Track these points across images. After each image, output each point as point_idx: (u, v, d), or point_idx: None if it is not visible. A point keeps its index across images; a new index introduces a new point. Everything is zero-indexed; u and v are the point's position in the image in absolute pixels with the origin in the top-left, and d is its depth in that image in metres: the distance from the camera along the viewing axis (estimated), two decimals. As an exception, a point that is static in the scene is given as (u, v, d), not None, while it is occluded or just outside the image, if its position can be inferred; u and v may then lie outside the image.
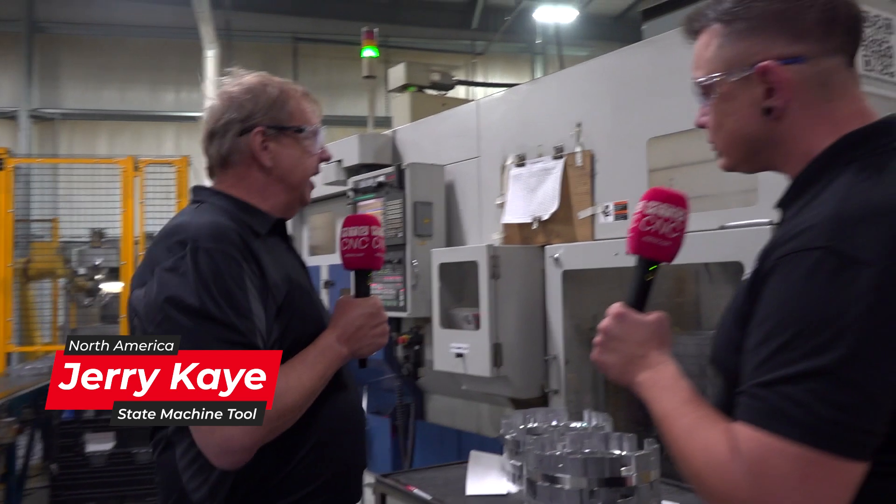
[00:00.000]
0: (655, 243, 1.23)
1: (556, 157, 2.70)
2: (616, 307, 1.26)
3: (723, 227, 2.10)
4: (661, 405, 1.10)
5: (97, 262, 6.36)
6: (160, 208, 6.13)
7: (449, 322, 2.90)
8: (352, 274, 1.68)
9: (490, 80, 12.45)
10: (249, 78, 1.61)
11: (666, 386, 1.12)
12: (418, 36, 13.11)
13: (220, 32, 10.32)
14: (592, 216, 2.58)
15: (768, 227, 1.97)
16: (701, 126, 1.21)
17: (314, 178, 1.71)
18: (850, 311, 0.88)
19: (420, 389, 3.40)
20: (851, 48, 1.08)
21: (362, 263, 1.63)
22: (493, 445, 3.00)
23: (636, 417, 2.69)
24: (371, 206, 3.26)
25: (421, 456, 3.30)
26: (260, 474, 1.42)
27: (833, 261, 0.90)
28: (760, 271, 0.99)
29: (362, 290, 1.63)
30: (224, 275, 1.35)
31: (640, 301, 1.26)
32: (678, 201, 1.24)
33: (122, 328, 6.33)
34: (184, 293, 1.32)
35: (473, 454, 2.27)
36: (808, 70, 1.05)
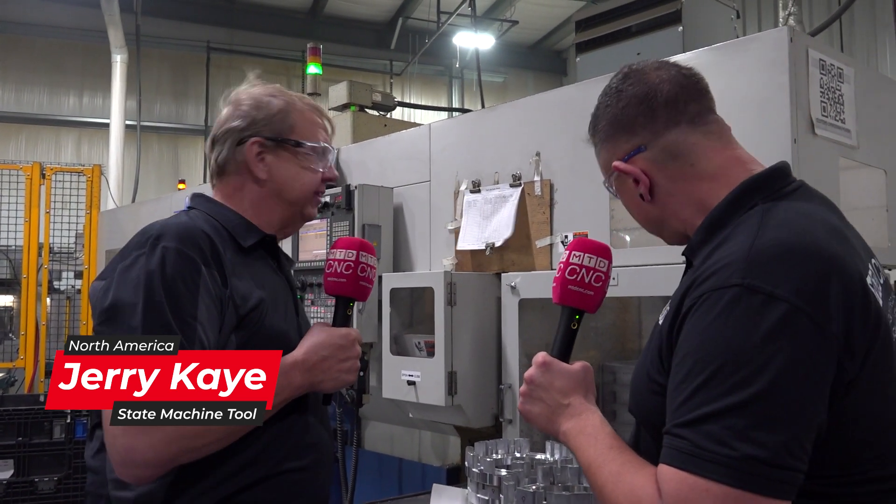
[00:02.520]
0: (580, 292, 1.27)
1: (513, 185, 2.70)
2: (541, 356, 1.28)
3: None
4: (587, 453, 1.11)
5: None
6: (68, 218, 5.77)
7: (399, 349, 2.84)
8: (334, 300, 1.57)
9: (406, 101, 12.49)
10: (260, 88, 1.57)
11: (590, 433, 1.13)
12: (336, 53, 13.01)
13: (129, 37, 9.91)
14: (551, 245, 2.59)
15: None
16: None
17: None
18: (769, 347, 0.89)
19: (357, 416, 3.31)
20: (688, 115, 1.18)
21: (344, 290, 1.51)
22: (434, 474, 2.96)
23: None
24: (315, 227, 3.16)
25: (359, 486, 3.20)
26: (193, 498, 1.31)
27: (749, 297, 0.93)
28: (678, 313, 1.03)
29: (339, 320, 1.52)
30: (177, 275, 1.30)
31: (565, 350, 1.30)
32: (602, 252, 1.29)
33: (20, 345, 5.91)
34: (130, 293, 1.28)
35: (436, 487, 2.21)
36: (651, 154, 1.18)
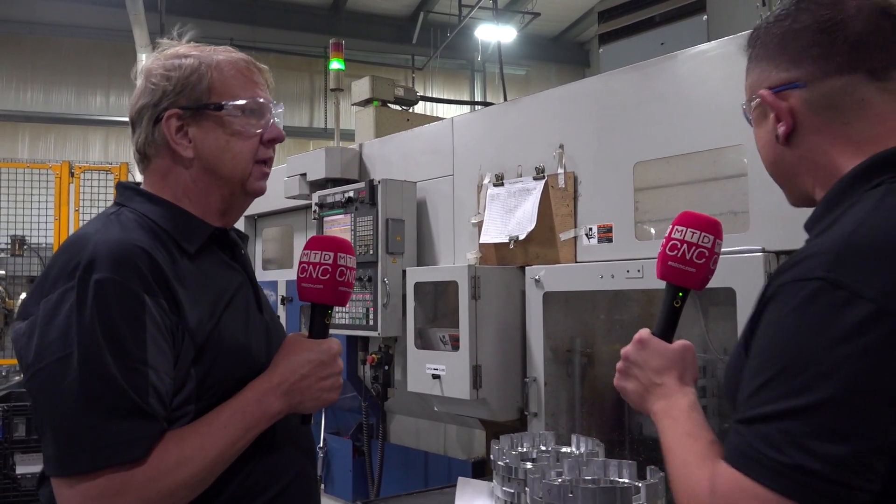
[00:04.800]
0: (681, 268, 1.20)
1: (536, 178, 2.69)
2: (640, 333, 1.23)
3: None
4: (666, 437, 1.08)
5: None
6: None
7: (423, 342, 2.84)
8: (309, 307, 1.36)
9: (428, 95, 12.49)
10: (171, 51, 1.33)
11: (675, 416, 1.10)
12: (358, 49, 13.03)
13: (154, 36, 10.01)
14: (575, 238, 2.58)
15: (760, 253, 2.01)
16: None
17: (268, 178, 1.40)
18: (841, 350, 0.81)
19: (383, 410, 3.32)
20: (872, 62, 1.00)
21: (320, 297, 1.31)
22: (460, 468, 2.96)
23: (611, 440, 2.70)
24: (339, 222, 3.18)
25: (384, 479, 3.22)
26: None
27: (830, 293, 0.84)
28: (763, 297, 0.95)
29: (317, 330, 1.32)
30: (115, 314, 1.09)
31: (666, 328, 1.24)
32: (707, 226, 1.21)
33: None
34: (59, 343, 1.08)
35: (461, 480, 2.22)
36: (807, 94, 1.03)
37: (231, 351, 1.23)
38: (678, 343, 1.21)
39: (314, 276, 1.30)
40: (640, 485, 1.68)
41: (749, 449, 0.86)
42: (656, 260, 1.26)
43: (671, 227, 1.24)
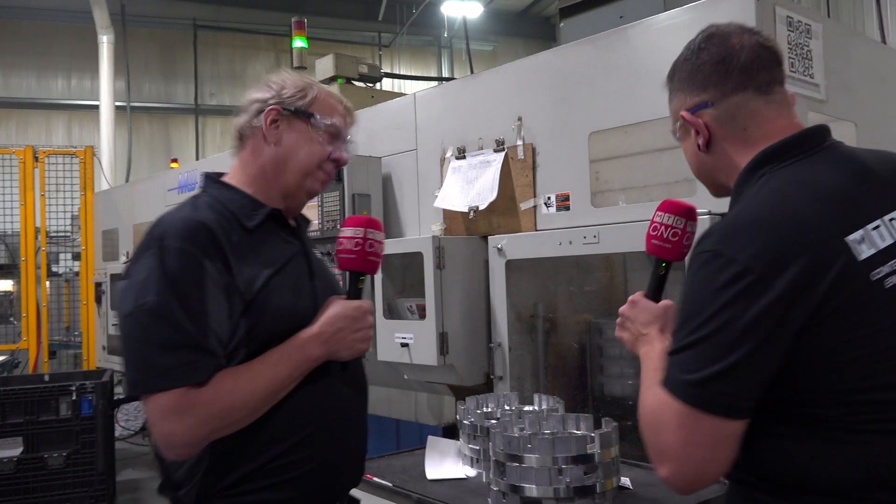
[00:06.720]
0: (661, 246, 1.50)
1: (497, 150, 2.77)
2: (634, 295, 1.52)
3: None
4: (642, 372, 1.35)
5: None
6: (63, 201, 5.82)
7: (392, 314, 2.93)
8: (346, 274, 1.64)
9: (396, 72, 12.46)
10: (289, 73, 1.69)
11: (651, 357, 1.37)
12: (324, 27, 12.94)
13: (115, 17, 9.87)
14: (534, 207, 2.66)
15: (707, 216, 2.12)
16: None
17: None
18: (718, 299, 1.11)
19: (356, 381, 3.41)
20: (757, 82, 1.30)
21: (354, 265, 1.60)
22: (431, 433, 3.06)
23: (574, 399, 2.82)
24: (306, 198, 3.24)
25: (359, 447, 3.31)
26: (232, 463, 1.46)
27: (714, 260, 1.14)
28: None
29: (353, 293, 1.61)
30: (183, 274, 1.39)
31: (654, 291, 1.52)
32: (682, 212, 1.50)
33: (22, 327, 6.01)
34: (143, 291, 1.38)
35: (430, 440, 2.31)
36: (714, 111, 1.32)
37: (276, 308, 1.48)
38: (662, 302, 1.50)
39: (348, 248, 1.58)
40: (595, 434, 1.79)
41: (668, 373, 1.17)
42: (645, 239, 1.53)
43: (654, 212, 1.52)
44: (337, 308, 1.54)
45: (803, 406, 1.14)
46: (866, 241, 1.14)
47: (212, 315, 1.39)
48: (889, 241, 1.15)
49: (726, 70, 1.30)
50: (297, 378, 1.48)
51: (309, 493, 1.52)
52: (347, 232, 1.59)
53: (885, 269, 1.14)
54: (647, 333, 1.44)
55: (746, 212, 1.18)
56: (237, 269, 1.45)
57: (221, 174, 1.68)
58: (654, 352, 1.37)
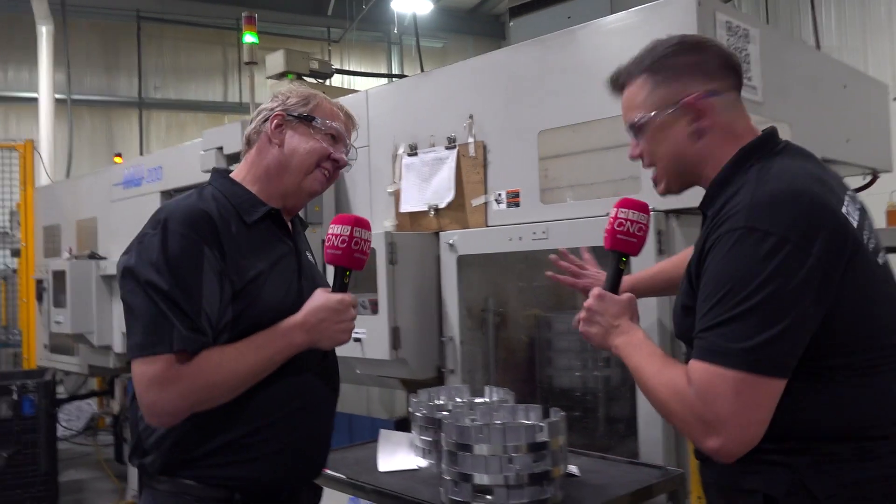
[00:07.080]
0: (626, 240, 1.57)
1: (448, 147, 2.81)
2: (597, 290, 1.58)
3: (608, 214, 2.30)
4: (634, 359, 1.44)
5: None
6: (1, 196, 5.64)
7: (344, 308, 2.94)
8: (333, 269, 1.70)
9: (345, 68, 12.41)
10: (299, 86, 1.83)
11: (636, 345, 1.46)
12: (272, 20, 12.79)
13: (55, 7, 9.58)
14: (485, 204, 2.72)
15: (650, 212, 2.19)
16: (635, 158, 1.54)
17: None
18: (762, 271, 1.21)
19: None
20: (739, 83, 1.47)
21: (340, 261, 1.67)
22: (384, 426, 3.08)
23: (523, 392, 2.87)
24: (258, 194, 3.23)
25: (310, 442, 3.31)
26: (200, 437, 1.56)
27: (750, 235, 1.24)
28: (702, 252, 1.33)
29: (338, 286, 1.68)
30: (182, 256, 1.50)
31: (615, 285, 1.59)
32: (642, 208, 1.59)
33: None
34: (144, 266, 1.50)
35: (383, 432, 2.34)
36: (719, 101, 1.42)
37: (263, 300, 1.59)
38: (625, 295, 1.58)
39: (335, 244, 1.65)
40: (543, 423, 1.84)
41: (714, 346, 1.23)
42: (604, 236, 1.59)
43: (615, 209, 1.59)
44: (321, 299, 1.61)
45: (821, 360, 1.26)
46: (850, 216, 1.31)
47: (205, 297, 1.50)
48: (856, 218, 1.33)
49: (729, 65, 1.44)
50: (279, 362, 1.57)
51: (271, 474, 1.60)
52: (335, 229, 1.66)
53: (864, 237, 1.32)
54: (619, 325, 1.51)
55: (763, 192, 1.28)
56: (231, 259, 1.56)
57: (229, 170, 1.79)
58: (636, 339, 1.46)
